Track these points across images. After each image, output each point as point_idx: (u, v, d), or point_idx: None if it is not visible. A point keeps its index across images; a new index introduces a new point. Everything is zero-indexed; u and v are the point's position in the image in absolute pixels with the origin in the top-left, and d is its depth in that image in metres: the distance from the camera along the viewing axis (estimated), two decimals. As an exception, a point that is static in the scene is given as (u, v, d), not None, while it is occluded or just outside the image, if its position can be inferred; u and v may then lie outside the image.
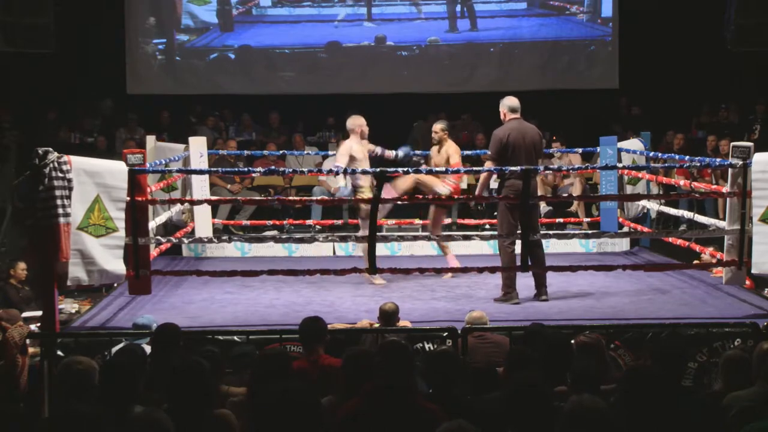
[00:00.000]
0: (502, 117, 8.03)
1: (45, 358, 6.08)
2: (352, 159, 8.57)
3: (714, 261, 8.55)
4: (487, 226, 10.94)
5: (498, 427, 3.84)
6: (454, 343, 5.90)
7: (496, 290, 8.35)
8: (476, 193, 8.48)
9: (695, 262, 9.12)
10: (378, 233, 7.98)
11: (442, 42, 14.66)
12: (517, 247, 7.78)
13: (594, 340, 5.38)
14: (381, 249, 9.46)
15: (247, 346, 5.88)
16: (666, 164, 10.20)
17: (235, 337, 6.33)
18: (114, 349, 6.03)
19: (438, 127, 9.10)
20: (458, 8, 14.68)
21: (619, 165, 9.91)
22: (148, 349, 5.87)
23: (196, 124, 13.87)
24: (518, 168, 7.55)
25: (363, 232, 8.26)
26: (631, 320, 7.02)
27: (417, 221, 10.40)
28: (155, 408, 3.80)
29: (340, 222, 10.88)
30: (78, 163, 6.73)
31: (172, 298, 8.17)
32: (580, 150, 11.35)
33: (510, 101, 8.00)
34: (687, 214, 9.33)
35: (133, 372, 4.32)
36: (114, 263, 6.93)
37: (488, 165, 8.00)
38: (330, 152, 11.82)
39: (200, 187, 10.08)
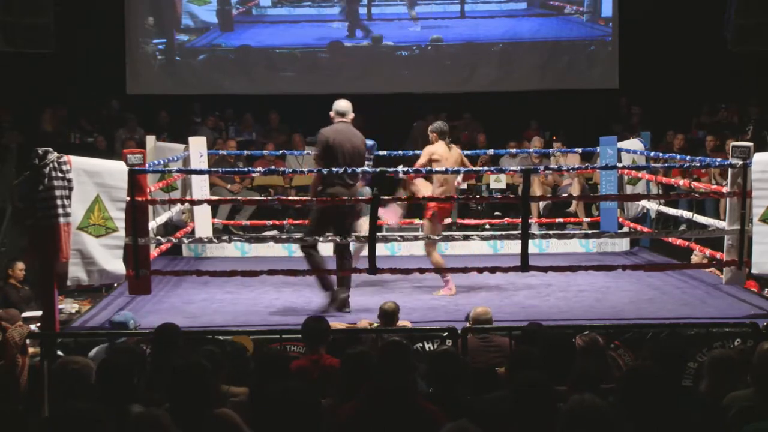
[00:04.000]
0: (331, 119, 7.90)
1: (45, 358, 6.09)
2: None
3: (705, 261, 8.55)
4: (487, 226, 10.95)
5: (498, 427, 3.83)
6: (454, 343, 5.90)
7: (497, 290, 8.36)
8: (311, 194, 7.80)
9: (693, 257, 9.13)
10: (378, 233, 7.97)
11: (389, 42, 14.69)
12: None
13: (594, 340, 5.38)
14: (381, 249, 9.48)
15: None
16: (666, 164, 10.19)
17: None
18: (92, 352, 6.02)
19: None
20: (459, 8, 14.70)
21: (619, 165, 9.91)
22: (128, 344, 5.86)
23: (198, 123, 13.86)
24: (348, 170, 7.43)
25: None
26: (631, 320, 7.01)
27: (417, 221, 10.37)
28: (155, 407, 3.80)
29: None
30: (78, 163, 6.72)
31: (172, 298, 8.17)
32: (580, 150, 11.34)
33: (338, 105, 7.89)
34: (686, 214, 9.33)
35: (129, 370, 4.31)
36: (114, 263, 6.93)
37: (316, 165, 7.80)
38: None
39: (200, 187, 10.07)
